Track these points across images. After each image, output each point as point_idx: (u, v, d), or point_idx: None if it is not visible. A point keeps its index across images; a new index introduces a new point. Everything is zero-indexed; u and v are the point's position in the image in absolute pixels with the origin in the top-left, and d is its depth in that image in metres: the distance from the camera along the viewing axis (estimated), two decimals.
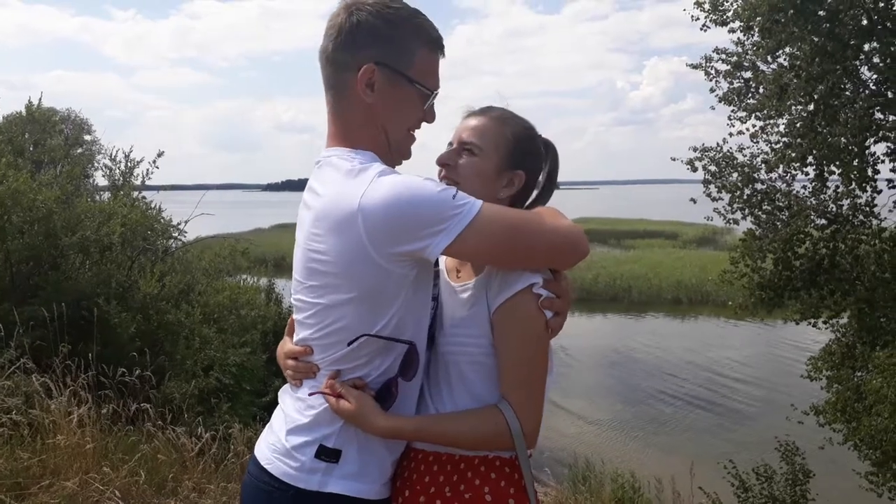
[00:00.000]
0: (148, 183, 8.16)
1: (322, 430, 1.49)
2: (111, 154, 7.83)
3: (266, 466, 1.53)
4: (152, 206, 8.20)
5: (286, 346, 1.62)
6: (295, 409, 1.55)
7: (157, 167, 7.85)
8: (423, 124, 1.62)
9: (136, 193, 8.06)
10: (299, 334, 1.57)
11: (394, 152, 1.58)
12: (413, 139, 1.61)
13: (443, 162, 1.62)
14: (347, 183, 1.42)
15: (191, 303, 7.41)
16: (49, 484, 3.75)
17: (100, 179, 8.99)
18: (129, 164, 7.89)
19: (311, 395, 1.51)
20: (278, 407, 1.66)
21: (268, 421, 1.66)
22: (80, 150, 19.96)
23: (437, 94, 1.57)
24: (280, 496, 1.48)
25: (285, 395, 1.63)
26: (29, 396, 4.42)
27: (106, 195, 8.51)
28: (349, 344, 1.44)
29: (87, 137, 23.43)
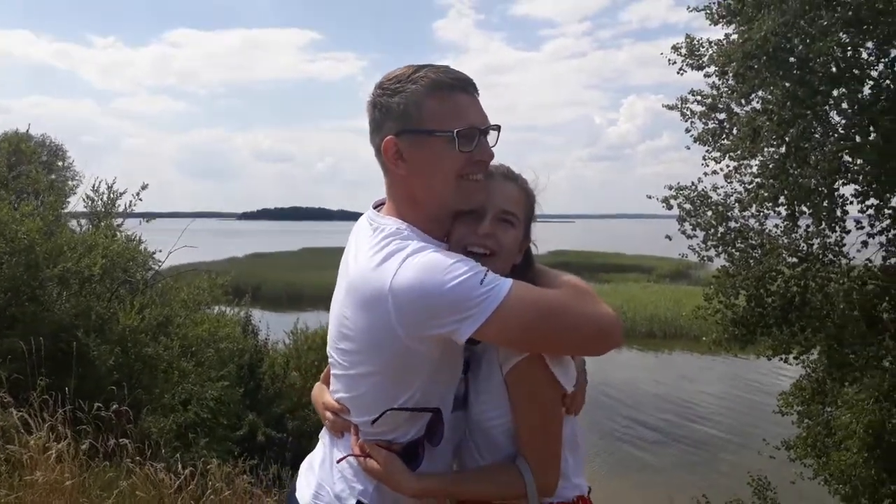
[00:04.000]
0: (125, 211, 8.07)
1: (360, 484, 1.55)
2: (94, 185, 7.76)
3: None
4: (133, 237, 8.12)
5: (324, 396, 1.68)
6: (337, 458, 1.61)
7: (141, 199, 7.79)
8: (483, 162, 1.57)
9: (116, 221, 7.98)
10: (334, 390, 1.64)
11: (454, 204, 1.57)
12: (472, 182, 1.56)
13: (487, 233, 1.58)
14: (382, 260, 1.45)
15: (169, 335, 7.33)
16: None
17: (73, 206, 8.82)
18: (111, 195, 7.82)
19: (338, 461, 1.58)
20: (319, 445, 1.72)
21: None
22: (52, 177, 19.69)
23: (467, 130, 1.51)
24: None
25: (328, 438, 1.68)
26: (6, 431, 4.34)
27: (83, 222, 8.38)
28: (373, 423, 1.51)
29: (60, 164, 23.18)
